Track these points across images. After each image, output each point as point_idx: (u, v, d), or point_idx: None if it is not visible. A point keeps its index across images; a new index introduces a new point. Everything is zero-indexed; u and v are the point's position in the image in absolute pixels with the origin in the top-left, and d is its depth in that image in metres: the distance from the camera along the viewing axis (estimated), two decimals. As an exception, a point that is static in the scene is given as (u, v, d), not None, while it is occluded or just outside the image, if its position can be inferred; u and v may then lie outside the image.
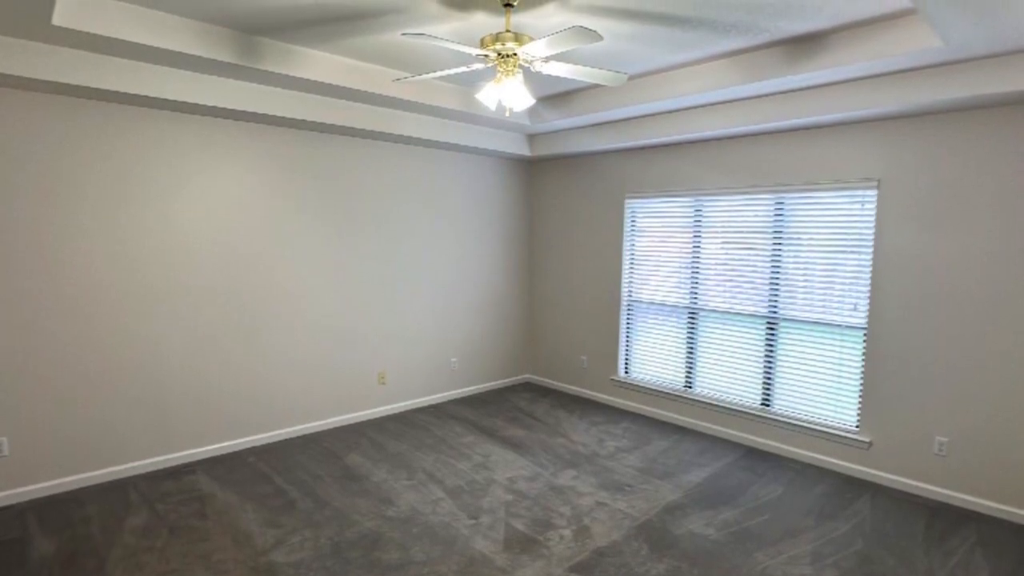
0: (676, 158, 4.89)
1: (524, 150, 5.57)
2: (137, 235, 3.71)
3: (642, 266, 5.27)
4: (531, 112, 4.90)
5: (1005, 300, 3.36)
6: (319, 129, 4.37)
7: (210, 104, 3.59)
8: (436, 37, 2.31)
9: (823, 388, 4.15)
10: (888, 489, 3.78)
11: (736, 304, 4.61)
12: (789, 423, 4.27)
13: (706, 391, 4.85)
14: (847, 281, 3.99)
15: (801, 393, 4.26)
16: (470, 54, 2.87)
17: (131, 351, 3.74)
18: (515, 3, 2.62)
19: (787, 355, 4.33)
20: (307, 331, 4.57)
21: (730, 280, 4.63)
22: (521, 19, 2.99)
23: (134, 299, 3.73)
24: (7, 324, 3.31)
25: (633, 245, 5.34)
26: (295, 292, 4.47)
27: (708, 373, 4.84)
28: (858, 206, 3.91)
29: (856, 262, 3.93)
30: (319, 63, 3.60)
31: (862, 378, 3.94)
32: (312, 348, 4.61)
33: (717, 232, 4.69)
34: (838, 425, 4.07)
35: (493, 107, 2.85)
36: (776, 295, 4.35)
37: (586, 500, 3.54)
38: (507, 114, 3.08)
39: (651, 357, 5.25)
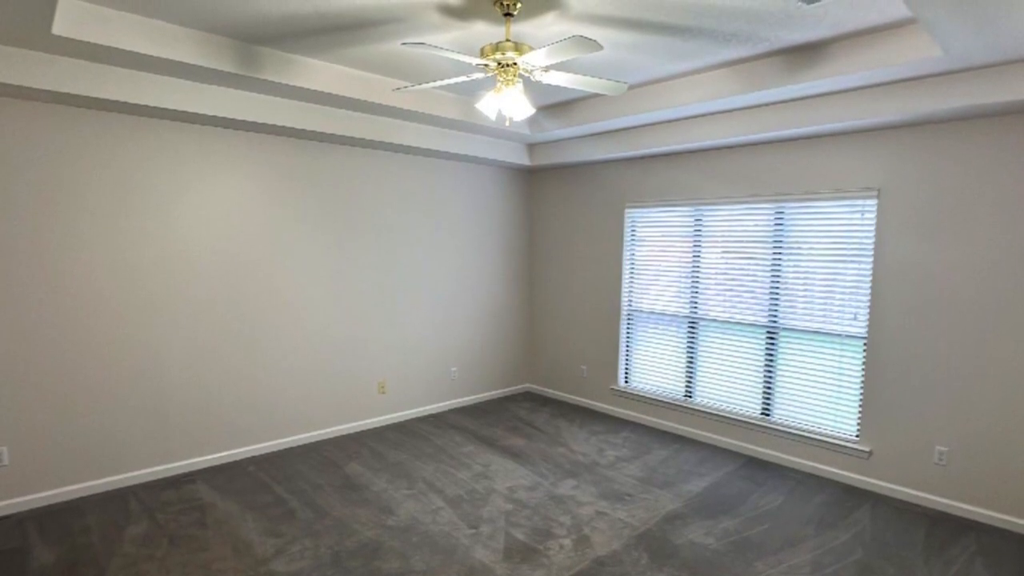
0: (676, 167, 4.89)
1: (524, 159, 5.58)
2: (137, 244, 3.71)
3: (642, 275, 5.26)
4: (531, 121, 4.91)
5: (1005, 309, 3.36)
6: (319, 138, 4.38)
7: (210, 113, 3.60)
8: (436, 47, 2.32)
9: (823, 397, 4.14)
10: (888, 498, 3.77)
11: (736, 314, 4.60)
12: (789, 432, 4.26)
13: (706, 401, 4.84)
14: (847, 290, 3.98)
15: (801, 402, 4.25)
16: (470, 63, 2.88)
17: (131, 360, 3.74)
18: (515, 13, 2.63)
19: (787, 364, 4.32)
20: (307, 340, 4.57)
21: (730, 290, 4.63)
22: (521, 28, 3.00)
23: (134, 308, 3.73)
24: (7, 333, 3.31)
25: (633, 254, 5.34)
26: (295, 301, 4.47)
27: (708, 383, 4.83)
28: (858, 215, 3.91)
29: (856, 271, 3.93)
30: (319, 72, 3.61)
31: (862, 387, 3.93)
32: (312, 357, 4.61)
33: (717, 241, 4.69)
34: (838, 434, 4.06)
35: (493, 116, 2.85)
36: (776, 305, 4.35)
37: (586, 509, 3.53)
38: (507, 123, 3.09)
39: (651, 367, 5.24)
